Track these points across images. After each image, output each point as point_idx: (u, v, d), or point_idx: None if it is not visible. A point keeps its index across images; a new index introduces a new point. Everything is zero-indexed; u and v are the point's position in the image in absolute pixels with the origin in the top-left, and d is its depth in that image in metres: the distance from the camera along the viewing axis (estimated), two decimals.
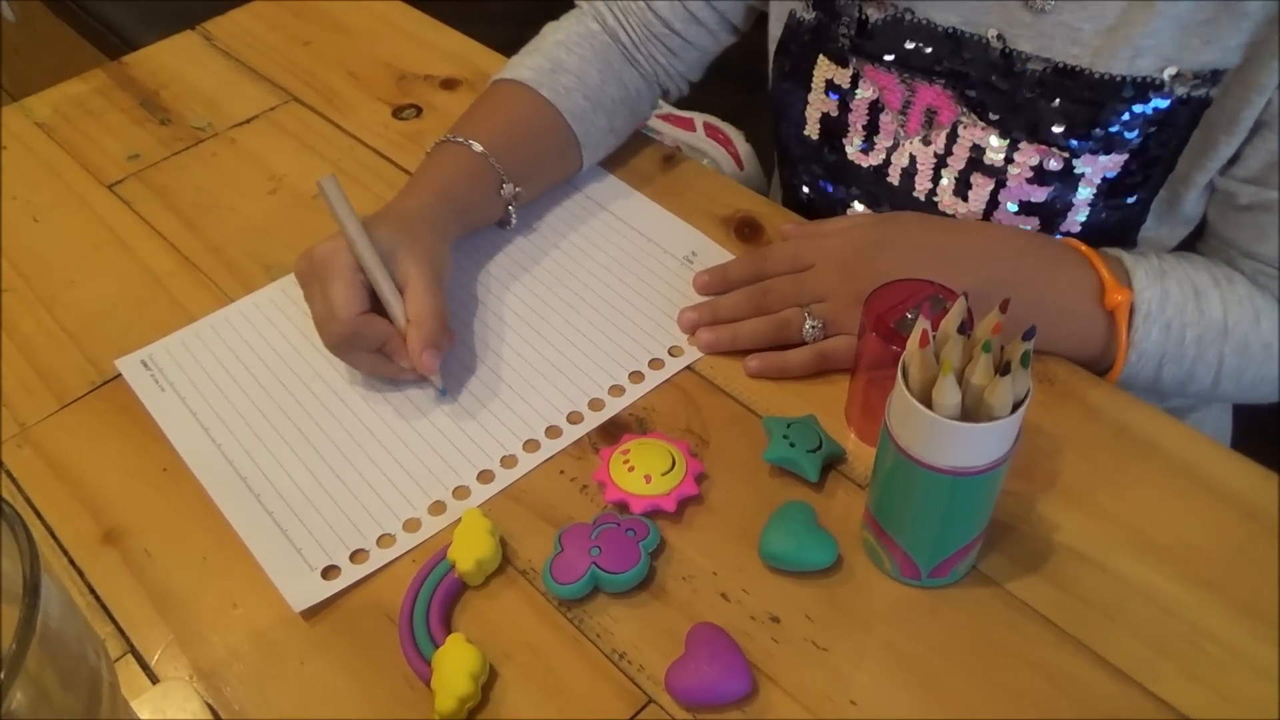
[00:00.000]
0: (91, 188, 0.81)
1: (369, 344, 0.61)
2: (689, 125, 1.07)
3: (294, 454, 0.61)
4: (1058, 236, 0.65)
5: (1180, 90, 0.59)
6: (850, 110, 0.70)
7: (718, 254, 0.71)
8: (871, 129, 0.70)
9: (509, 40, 0.85)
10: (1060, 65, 0.61)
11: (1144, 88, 0.59)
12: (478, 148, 0.69)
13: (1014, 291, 0.58)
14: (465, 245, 0.72)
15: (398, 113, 0.87)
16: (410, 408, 0.63)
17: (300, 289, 0.63)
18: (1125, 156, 0.61)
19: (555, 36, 0.77)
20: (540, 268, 0.72)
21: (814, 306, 0.63)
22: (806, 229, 0.68)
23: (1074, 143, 0.61)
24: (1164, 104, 0.59)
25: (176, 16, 1.06)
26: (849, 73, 0.69)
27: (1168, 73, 0.59)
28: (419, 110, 0.87)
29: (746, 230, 0.73)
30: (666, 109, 1.09)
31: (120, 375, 0.66)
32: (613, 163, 0.79)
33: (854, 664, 0.51)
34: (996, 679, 0.50)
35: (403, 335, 0.61)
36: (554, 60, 0.75)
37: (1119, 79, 0.59)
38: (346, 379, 0.65)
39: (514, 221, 0.73)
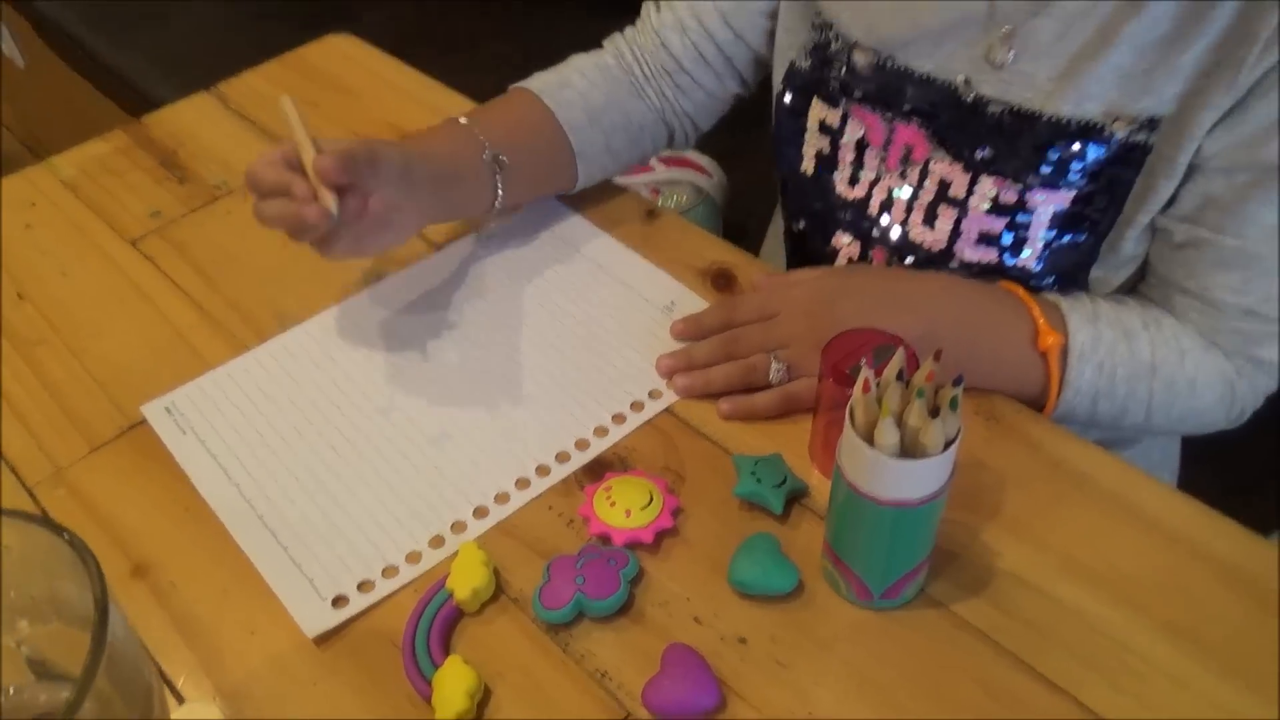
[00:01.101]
0: (115, 243, 0.87)
1: (268, 182, 0.65)
2: (646, 167, 1.15)
3: (305, 492, 0.67)
4: (1012, 275, 0.71)
5: (1121, 134, 0.65)
6: (840, 148, 0.77)
7: (695, 303, 0.77)
8: (858, 164, 0.76)
9: (499, 87, 0.91)
10: (1017, 108, 0.67)
11: (1089, 130, 0.65)
12: (464, 121, 0.76)
13: (957, 334, 0.65)
14: (459, 294, 0.78)
15: None
16: (412, 448, 0.69)
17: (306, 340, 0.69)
18: (1074, 193, 0.67)
19: (576, 63, 0.85)
20: (531, 315, 0.78)
21: (779, 352, 0.68)
22: (773, 280, 0.74)
23: (1028, 177, 0.68)
24: (1106, 146, 0.65)
25: (186, 68, 1.13)
26: (839, 113, 0.75)
27: (1110, 117, 0.65)
28: None
29: (721, 281, 0.79)
30: None
31: (145, 420, 0.72)
32: (601, 219, 0.85)
33: (814, 680, 0.56)
34: (943, 693, 0.55)
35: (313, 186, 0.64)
36: (564, 79, 0.83)
37: (1067, 121, 0.65)
38: (353, 421, 0.71)
39: (499, 202, 0.76)
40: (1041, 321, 0.66)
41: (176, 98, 1.06)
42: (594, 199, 0.87)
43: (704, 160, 1.20)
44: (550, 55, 0.88)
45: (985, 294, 0.69)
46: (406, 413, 0.71)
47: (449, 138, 0.76)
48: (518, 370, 0.74)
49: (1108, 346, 0.67)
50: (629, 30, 0.87)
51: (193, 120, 1.01)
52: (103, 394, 0.74)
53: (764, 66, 0.84)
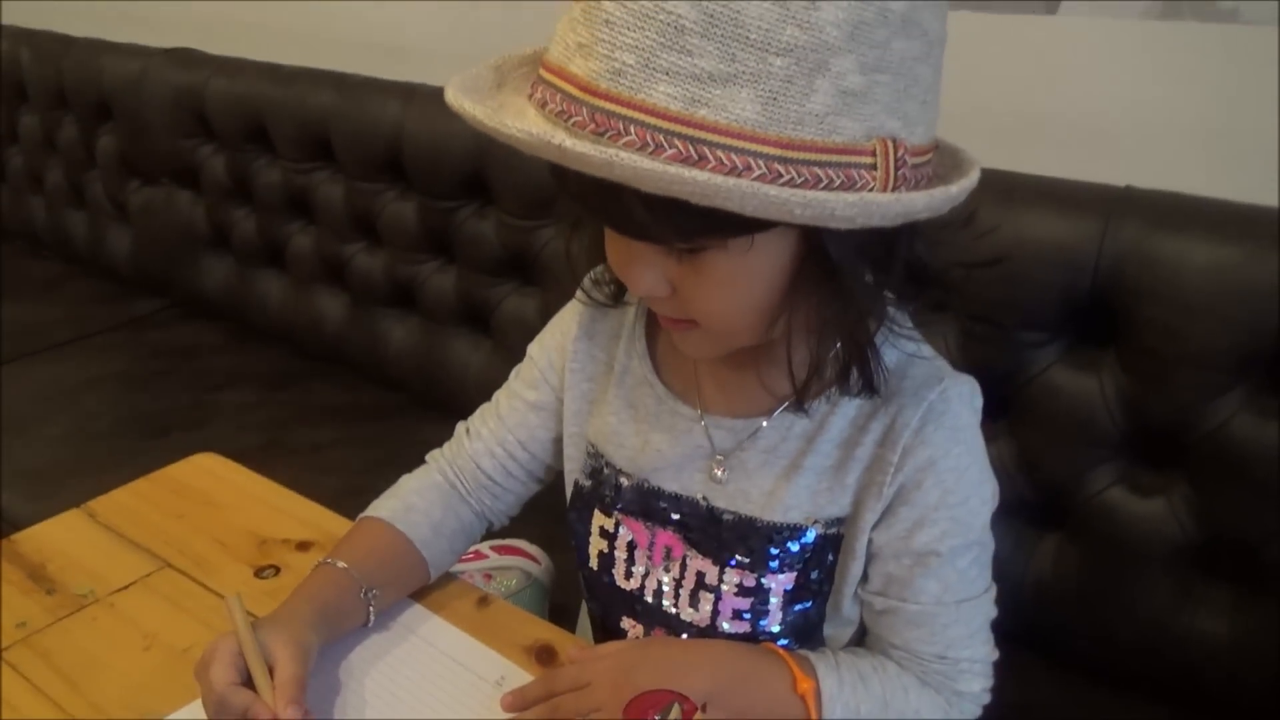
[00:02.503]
0: None
1: (235, 710, 0.77)
2: (481, 555, 1.31)
3: None
4: (763, 638, 0.88)
5: (819, 530, 0.86)
6: (615, 548, 0.95)
7: (521, 676, 0.91)
8: (630, 561, 0.95)
9: (346, 486, 1.07)
10: (742, 515, 0.88)
11: (795, 529, 0.86)
12: (342, 565, 0.92)
13: (733, 688, 0.81)
14: (309, 683, 0.88)
15: (259, 573, 1.05)
16: None
17: None
18: (795, 574, 0.87)
19: (410, 484, 1.03)
20: (374, 693, 0.89)
21: (593, 715, 0.82)
22: (584, 654, 0.89)
23: (760, 567, 0.87)
24: (810, 540, 0.86)
25: (43, 481, 1.22)
26: (613, 520, 0.95)
27: (809, 520, 0.86)
28: (277, 570, 1.05)
29: (544, 656, 0.94)
30: None
31: None
32: (436, 605, 0.99)
33: None
34: None
35: (268, 704, 0.77)
36: (407, 504, 1.00)
37: (778, 524, 0.86)
38: None
39: (372, 620, 0.92)
40: (796, 671, 0.83)
41: (37, 510, 1.16)
42: (430, 588, 1.01)
43: (533, 549, 1.38)
44: (381, 460, 1.07)
45: (751, 654, 0.86)
46: None
47: (334, 585, 0.92)
48: None
49: (850, 688, 0.84)
50: (447, 450, 1.06)
51: (62, 536, 1.11)
52: None
53: (555, 468, 1.05)
